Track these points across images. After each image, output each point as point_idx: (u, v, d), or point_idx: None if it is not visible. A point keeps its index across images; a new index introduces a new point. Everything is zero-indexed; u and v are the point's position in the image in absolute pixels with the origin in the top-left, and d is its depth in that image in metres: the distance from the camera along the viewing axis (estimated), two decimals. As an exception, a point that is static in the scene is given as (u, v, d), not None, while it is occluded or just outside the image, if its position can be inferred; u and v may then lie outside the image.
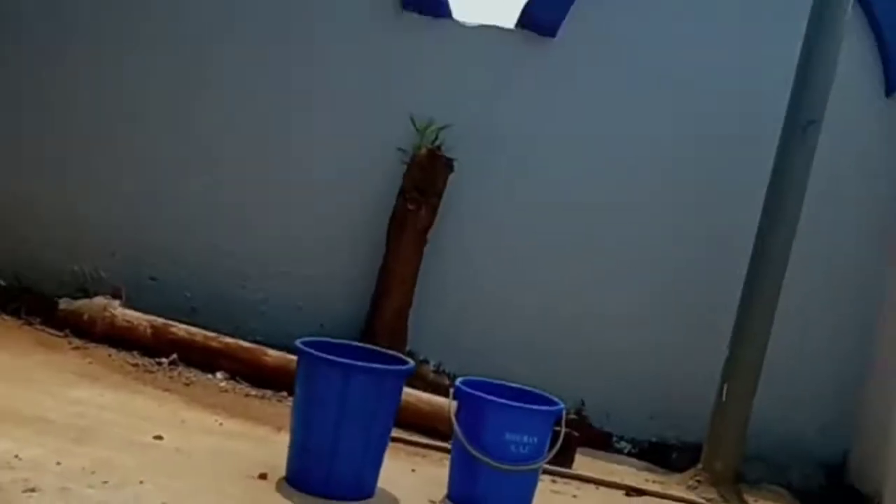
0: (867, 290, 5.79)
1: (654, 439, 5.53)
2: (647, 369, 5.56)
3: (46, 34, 6.20)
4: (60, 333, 5.40)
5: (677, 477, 5.11)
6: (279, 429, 4.42)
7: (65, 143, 6.19)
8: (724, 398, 4.51)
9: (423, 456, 4.54)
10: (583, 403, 5.34)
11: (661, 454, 5.41)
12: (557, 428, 3.88)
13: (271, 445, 4.15)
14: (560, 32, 5.67)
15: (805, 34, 5.12)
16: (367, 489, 3.77)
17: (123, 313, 5.45)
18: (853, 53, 5.59)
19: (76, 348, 5.24)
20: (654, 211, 5.73)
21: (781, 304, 5.06)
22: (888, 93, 5.86)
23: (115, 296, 5.60)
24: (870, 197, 5.87)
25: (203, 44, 6.01)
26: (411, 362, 3.98)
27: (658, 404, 5.53)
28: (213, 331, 5.43)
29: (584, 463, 4.90)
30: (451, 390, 3.93)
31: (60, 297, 5.72)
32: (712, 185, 5.68)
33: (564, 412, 3.92)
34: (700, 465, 4.96)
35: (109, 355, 5.20)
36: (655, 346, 5.57)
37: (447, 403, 4.61)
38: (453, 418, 3.85)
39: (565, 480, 4.62)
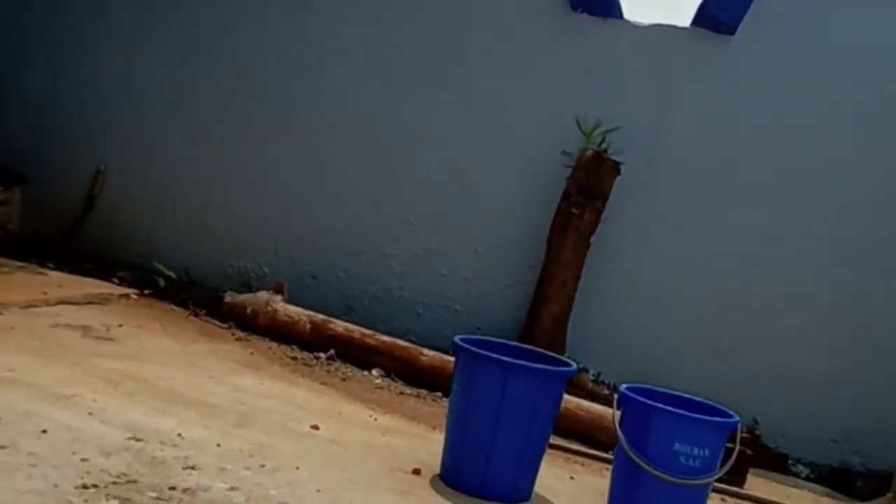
0: None
1: (835, 464, 5.03)
2: (828, 389, 5.07)
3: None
4: (224, 325, 5.57)
5: (863, 506, 4.65)
6: (434, 427, 4.34)
7: (236, 146, 6.43)
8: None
9: (582, 464, 4.32)
10: (756, 422, 4.94)
11: (844, 481, 4.92)
12: (730, 444, 3.59)
13: (426, 443, 4.07)
14: (740, 30, 5.33)
15: None
16: (524, 493, 3.59)
17: (285, 308, 5.54)
18: None
19: (239, 339, 5.37)
20: (838, 222, 5.18)
21: None
22: None
23: (278, 291, 5.71)
24: None
25: (373, 54, 6.11)
26: (573, 365, 3.80)
27: (841, 427, 5.03)
28: (370, 329, 5.43)
29: (757, 484, 4.52)
30: (616, 396, 3.70)
31: (226, 291, 5.90)
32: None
33: (739, 427, 3.62)
34: (890, 494, 4.49)
35: (270, 348, 5.30)
36: (839, 366, 5.06)
37: (607, 412, 4.43)
38: (617, 426, 3.62)
39: (736, 501, 4.28)
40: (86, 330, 4.81)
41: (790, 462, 5.00)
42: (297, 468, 3.35)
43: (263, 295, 5.66)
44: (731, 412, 3.59)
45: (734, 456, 3.54)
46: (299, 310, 5.54)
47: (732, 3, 5.32)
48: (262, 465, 3.30)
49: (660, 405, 3.53)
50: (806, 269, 5.23)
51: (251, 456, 3.38)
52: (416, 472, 3.61)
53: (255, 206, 6.36)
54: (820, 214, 5.24)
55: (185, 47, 6.59)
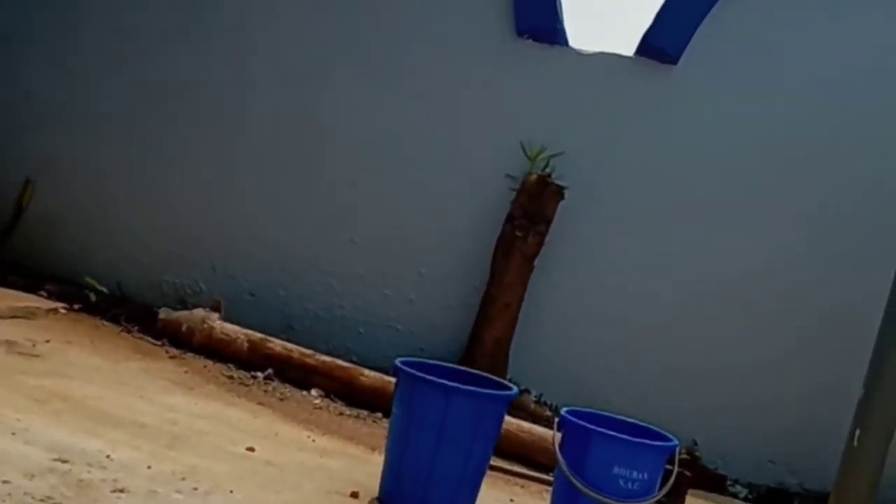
0: None
1: (773, 485, 5.12)
2: (766, 412, 5.16)
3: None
4: (158, 342, 5.41)
5: (799, 526, 4.74)
6: (373, 449, 4.27)
7: (173, 158, 6.30)
8: (855, 443, 4.10)
9: (523, 486, 4.30)
10: (695, 443, 4.99)
11: (781, 501, 5.02)
12: (669, 466, 3.60)
13: (364, 465, 4.00)
14: (682, 60, 5.42)
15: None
16: (463, 516, 3.56)
17: (222, 326, 5.43)
18: None
19: (173, 357, 5.23)
20: (781, 247, 5.26)
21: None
22: None
23: (215, 309, 5.59)
24: None
25: (317, 72, 6.05)
26: (514, 388, 3.79)
27: (778, 448, 5.12)
28: (310, 349, 5.34)
29: (695, 506, 4.58)
30: (556, 420, 3.69)
31: (160, 307, 5.75)
32: (854, 219, 5.17)
33: (678, 450, 3.64)
34: (825, 514, 4.57)
35: (205, 366, 5.17)
36: (776, 390, 5.15)
37: (548, 434, 4.41)
38: (557, 449, 3.60)
39: (674, 523, 4.30)
40: (10, 345, 4.61)
41: (729, 483, 5.08)
42: (231, 491, 3.26)
43: (199, 312, 5.53)
44: (670, 435, 3.61)
45: (672, 478, 3.55)
46: (236, 328, 5.43)
47: (674, 34, 5.41)
48: (195, 489, 3.20)
49: (599, 429, 3.54)
50: (746, 295, 5.30)
51: (183, 479, 3.27)
52: (354, 495, 3.55)
53: (191, 220, 6.23)
54: (763, 241, 5.32)
55: (119, 58, 6.43)
